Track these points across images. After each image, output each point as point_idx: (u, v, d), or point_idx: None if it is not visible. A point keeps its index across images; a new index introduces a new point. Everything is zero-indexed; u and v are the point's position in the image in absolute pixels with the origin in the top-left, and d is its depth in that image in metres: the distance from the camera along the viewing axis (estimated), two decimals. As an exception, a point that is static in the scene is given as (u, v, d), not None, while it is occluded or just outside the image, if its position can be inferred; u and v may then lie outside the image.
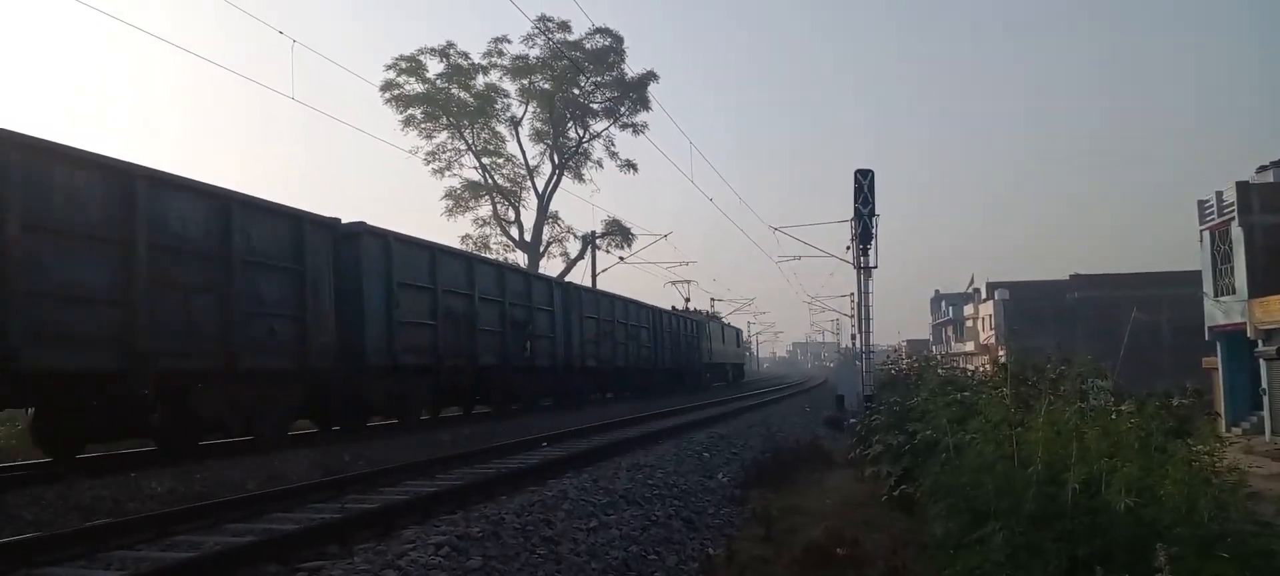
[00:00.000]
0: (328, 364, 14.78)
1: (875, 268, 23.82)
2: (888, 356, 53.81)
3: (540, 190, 50.18)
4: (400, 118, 47.37)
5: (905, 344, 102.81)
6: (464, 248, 38.17)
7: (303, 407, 15.23)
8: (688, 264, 54.56)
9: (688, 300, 57.93)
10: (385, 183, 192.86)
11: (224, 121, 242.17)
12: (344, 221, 15.88)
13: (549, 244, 50.72)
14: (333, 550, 6.90)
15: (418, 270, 17.91)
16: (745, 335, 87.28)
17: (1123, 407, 8.44)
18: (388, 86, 46.62)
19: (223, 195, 12.83)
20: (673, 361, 41.53)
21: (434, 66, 47.16)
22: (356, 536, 7.28)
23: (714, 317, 59.03)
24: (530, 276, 26.28)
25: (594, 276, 44.66)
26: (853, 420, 22.37)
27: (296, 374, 14.25)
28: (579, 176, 50.76)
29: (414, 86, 47.15)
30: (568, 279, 39.96)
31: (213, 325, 12.36)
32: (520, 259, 47.16)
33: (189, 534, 7.47)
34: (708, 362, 50.26)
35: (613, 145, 50.97)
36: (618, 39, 48.59)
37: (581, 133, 50.49)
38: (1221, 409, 29.23)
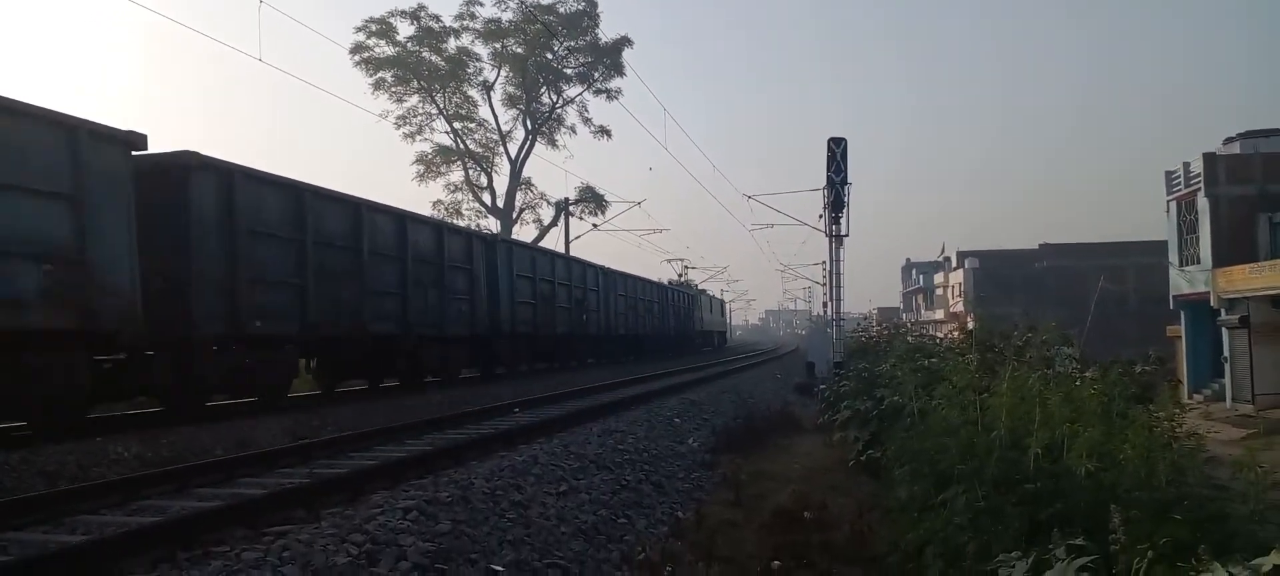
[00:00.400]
0: (483, 331, 21.64)
1: (847, 236, 23.90)
2: (858, 324, 54.44)
3: (513, 156, 49.87)
4: (370, 81, 46.87)
5: (876, 312, 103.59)
6: (437, 215, 38.31)
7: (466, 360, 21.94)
8: (661, 231, 54.62)
9: (681, 276, 62.40)
10: (354, 146, 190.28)
11: (184, 81, 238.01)
12: (490, 233, 22.74)
13: (522, 210, 50.49)
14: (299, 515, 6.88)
15: (524, 263, 24.74)
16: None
17: (1086, 374, 8.57)
18: (357, 49, 46.02)
19: (438, 223, 20.44)
20: (675, 330, 48.15)
21: (405, 29, 46.61)
22: (325, 501, 7.27)
23: (702, 292, 63.46)
24: (585, 264, 31.71)
25: (567, 243, 44.48)
26: (822, 387, 22.54)
27: (469, 338, 21.02)
28: (552, 142, 50.49)
29: (384, 49, 46.55)
30: (542, 244, 40.06)
31: (435, 307, 19.01)
32: (493, 225, 46.90)
33: (156, 498, 7.42)
34: (699, 330, 56.68)
35: (586, 111, 50.74)
36: (592, 3, 48.17)
37: (555, 98, 50.11)
38: (1184, 376, 29.77)
